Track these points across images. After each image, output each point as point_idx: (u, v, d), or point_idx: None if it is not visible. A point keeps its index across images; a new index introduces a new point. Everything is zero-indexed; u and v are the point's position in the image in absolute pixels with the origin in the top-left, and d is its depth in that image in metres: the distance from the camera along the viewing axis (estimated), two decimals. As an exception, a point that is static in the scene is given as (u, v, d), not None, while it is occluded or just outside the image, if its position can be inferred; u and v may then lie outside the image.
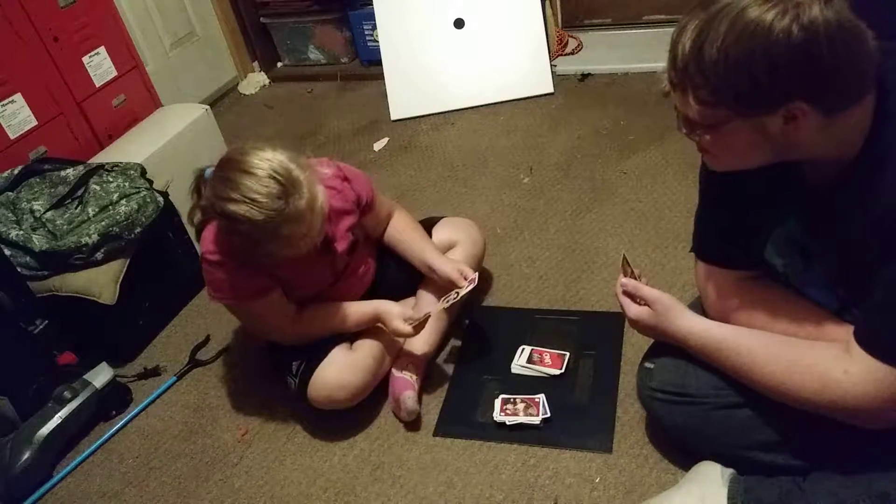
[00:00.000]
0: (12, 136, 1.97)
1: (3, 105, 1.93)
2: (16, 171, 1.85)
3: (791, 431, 1.13)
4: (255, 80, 3.39)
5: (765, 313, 1.13)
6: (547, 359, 1.60)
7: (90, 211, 1.78)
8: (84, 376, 1.71)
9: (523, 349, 1.64)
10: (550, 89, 2.77)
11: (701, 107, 0.93)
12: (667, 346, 1.21)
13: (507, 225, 2.11)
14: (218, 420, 1.70)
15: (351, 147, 2.73)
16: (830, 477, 1.08)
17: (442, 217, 1.82)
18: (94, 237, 1.74)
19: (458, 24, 2.82)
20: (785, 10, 0.84)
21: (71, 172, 1.85)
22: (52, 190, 1.81)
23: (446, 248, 1.71)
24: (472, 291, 1.59)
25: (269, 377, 1.73)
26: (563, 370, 1.57)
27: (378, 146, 2.69)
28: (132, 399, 1.80)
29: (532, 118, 2.65)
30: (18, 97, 1.97)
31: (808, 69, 0.85)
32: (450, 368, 1.67)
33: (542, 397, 1.52)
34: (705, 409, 1.19)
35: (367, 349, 1.57)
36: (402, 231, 1.69)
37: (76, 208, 1.80)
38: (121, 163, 1.95)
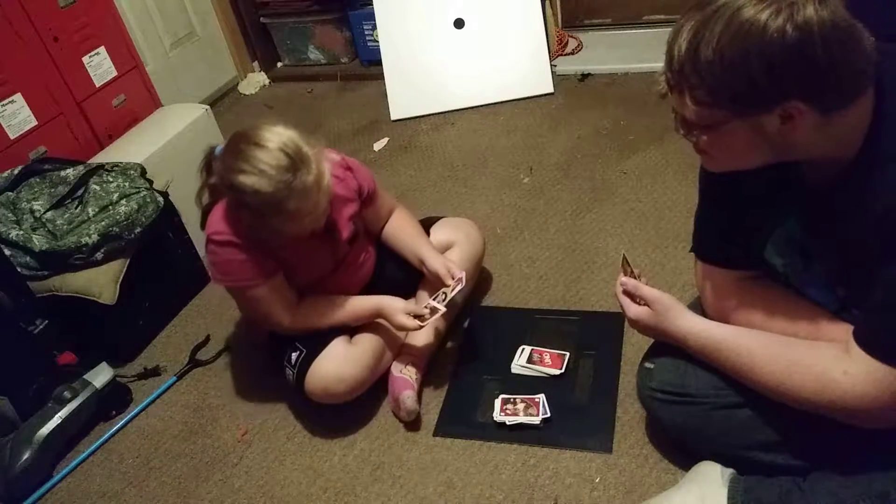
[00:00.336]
0: (12, 136, 1.97)
1: (3, 105, 1.93)
2: (16, 171, 1.85)
3: (791, 431, 1.13)
4: (255, 80, 3.39)
5: (764, 313, 1.13)
6: (547, 359, 1.60)
7: (90, 211, 1.78)
8: (84, 376, 1.71)
9: (523, 349, 1.64)
10: (550, 89, 2.77)
11: (698, 107, 0.93)
12: (667, 346, 1.21)
13: (507, 225, 2.11)
14: (218, 420, 1.70)
15: (351, 147, 2.73)
16: (830, 477, 1.08)
17: (441, 217, 1.82)
18: (94, 237, 1.74)
19: (458, 24, 2.82)
20: (779, 9, 0.84)
21: (71, 172, 1.85)
22: (52, 190, 1.81)
23: (444, 249, 1.71)
24: (465, 292, 1.58)
25: (269, 376, 1.74)
26: (563, 370, 1.57)
27: (378, 146, 2.69)
28: (132, 399, 1.80)
29: (532, 118, 2.65)
30: (18, 97, 1.97)
31: (804, 68, 0.85)
32: (450, 368, 1.67)
33: (542, 397, 1.52)
34: (705, 409, 1.19)
35: (366, 344, 1.57)
36: (400, 227, 1.70)
37: (76, 208, 1.80)
38: (121, 163, 1.95)
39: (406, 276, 1.70)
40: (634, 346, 1.58)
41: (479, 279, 1.85)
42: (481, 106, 2.79)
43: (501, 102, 2.78)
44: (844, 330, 1.00)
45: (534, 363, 1.60)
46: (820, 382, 0.99)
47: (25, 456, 1.58)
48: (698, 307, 1.26)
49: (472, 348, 1.72)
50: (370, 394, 1.59)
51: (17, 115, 1.98)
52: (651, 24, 2.97)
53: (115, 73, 2.26)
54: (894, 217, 0.90)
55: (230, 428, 1.67)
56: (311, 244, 1.48)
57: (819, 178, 1.01)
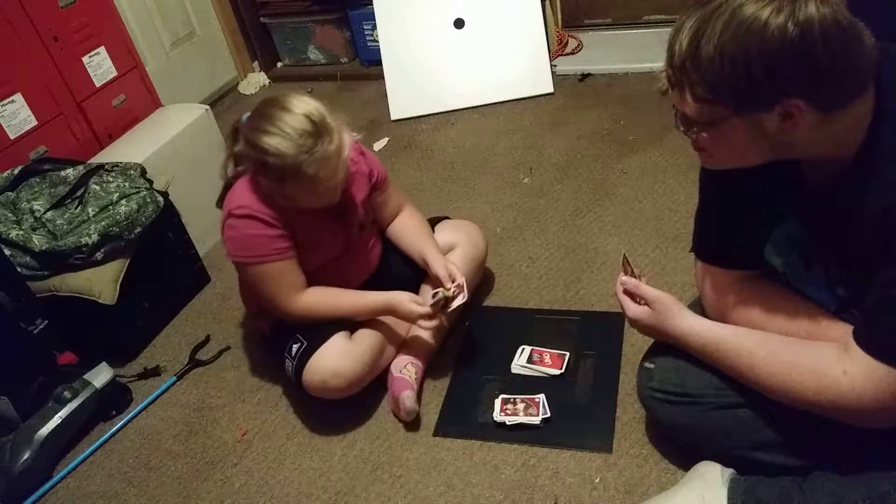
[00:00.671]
0: (12, 136, 1.96)
1: (3, 105, 1.93)
2: (16, 171, 1.85)
3: (791, 431, 1.13)
4: (255, 80, 3.39)
5: (764, 313, 1.13)
6: (547, 359, 1.60)
7: (90, 211, 1.78)
8: (84, 376, 1.71)
9: (523, 349, 1.64)
10: (550, 89, 2.77)
11: (698, 104, 0.93)
12: (667, 346, 1.21)
13: (507, 225, 2.11)
14: (218, 420, 1.70)
15: (351, 147, 2.73)
16: (831, 477, 1.08)
17: (444, 218, 1.82)
18: (94, 237, 1.74)
19: (458, 24, 2.82)
20: (781, 7, 0.84)
21: (71, 172, 1.85)
22: (52, 190, 1.81)
23: (446, 251, 1.71)
24: (467, 293, 1.58)
25: (268, 376, 1.74)
26: (563, 370, 1.57)
27: (378, 146, 2.69)
28: (132, 399, 1.80)
29: (532, 118, 2.65)
30: (18, 97, 1.97)
31: (804, 66, 0.85)
32: (450, 368, 1.67)
33: (542, 397, 1.52)
34: (705, 409, 1.19)
35: (366, 340, 1.57)
36: (407, 225, 1.71)
37: (76, 208, 1.80)
38: (121, 163, 1.95)
39: (411, 273, 1.70)
40: (634, 346, 1.58)
41: (480, 279, 1.85)
42: (481, 106, 2.79)
43: (501, 102, 2.78)
44: (844, 330, 1.00)
45: (534, 363, 1.60)
46: (820, 382, 0.98)
47: (25, 456, 1.58)
48: (698, 307, 1.25)
49: (472, 348, 1.72)
50: (370, 393, 1.59)
51: (17, 115, 1.98)
52: (651, 24, 2.97)
53: (115, 73, 2.26)
54: (894, 217, 0.90)
55: (230, 428, 1.67)
56: (324, 223, 1.52)
57: (819, 178, 1.01)
